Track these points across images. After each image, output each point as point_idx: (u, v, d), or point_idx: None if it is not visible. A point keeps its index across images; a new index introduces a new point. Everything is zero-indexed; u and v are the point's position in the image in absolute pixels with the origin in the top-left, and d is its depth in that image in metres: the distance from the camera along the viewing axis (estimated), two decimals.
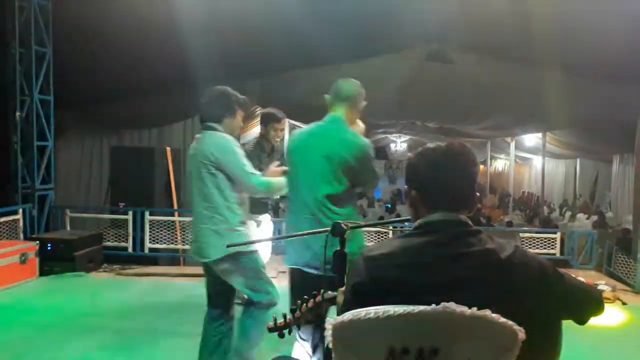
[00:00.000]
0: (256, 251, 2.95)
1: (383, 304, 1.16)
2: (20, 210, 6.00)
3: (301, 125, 13.37)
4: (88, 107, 7.62)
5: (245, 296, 2.95)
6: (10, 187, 6.29)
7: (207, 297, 2.95)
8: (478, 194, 1.44)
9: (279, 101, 8.79)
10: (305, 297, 1.68)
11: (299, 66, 7.38)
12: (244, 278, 2.84)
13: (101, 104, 7.54)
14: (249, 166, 2.81)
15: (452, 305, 1.10)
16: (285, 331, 1.66)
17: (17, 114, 6.19)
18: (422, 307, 1.10)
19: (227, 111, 2.93)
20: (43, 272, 5.48)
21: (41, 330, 3.90)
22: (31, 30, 6.16)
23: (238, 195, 2.83)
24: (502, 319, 1.14)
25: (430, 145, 1.41)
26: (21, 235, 5.90)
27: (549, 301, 1.30)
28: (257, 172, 2.87)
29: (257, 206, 3.82)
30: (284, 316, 1.66)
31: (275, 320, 1.66)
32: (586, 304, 1.41)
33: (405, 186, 1.44)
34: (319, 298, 1.67)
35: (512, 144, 14.19)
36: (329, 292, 1.67)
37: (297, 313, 1.66)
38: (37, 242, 5.53)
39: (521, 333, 1.15)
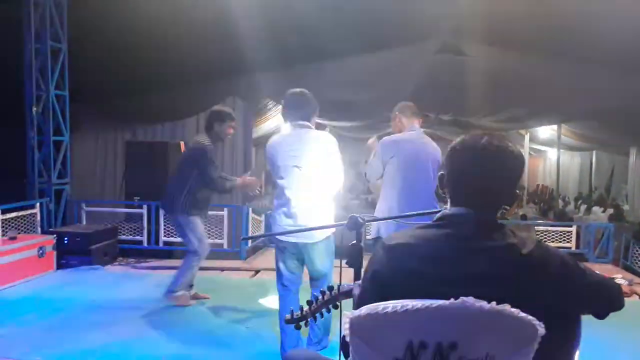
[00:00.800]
0: None
1: (401, 294, 1.16)
2: (38, 205, 6.09)
3: (316, 120, 13.29)
4: (102, 103, 7.68)
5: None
6: (28, 182, 6.39)
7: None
8: (518, 192, 1.39)
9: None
10: (322, 289, 1.70)
11: (310, 60, 7.36)
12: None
13: (115, 99, 7.59)
14: None
15: (470, 300, 1.10)
16: (302, 322, 1.67)
17: (34, 109, 6.26)
18: (440, 302, 1.09)
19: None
20: (60, 265, 5.56)
21: (59, 322, 3.96)
22: (46, 26, 6.22)
23: None
24: (522, 314, 1.13)
25: (471, 137, 1.35)
26: (39, 229, 5.98)
27: (569, 296, 1.28)
28: None
29: None
30: (301, 308, 1.68)
31: (292, 312, 1.67)
32: (606, 298, 1.39)
33: (441, 173, 1.40)
34: (335, 291, 1.68)
35: (527, 137, 14.03)
36: (345, 285, 1.68)
37: (314, 305, 1.67)
38: (54, 235, 5.61)
39: (541, 328, 1.14)
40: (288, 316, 1.67)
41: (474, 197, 1.31)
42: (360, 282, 1.57)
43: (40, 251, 5.30)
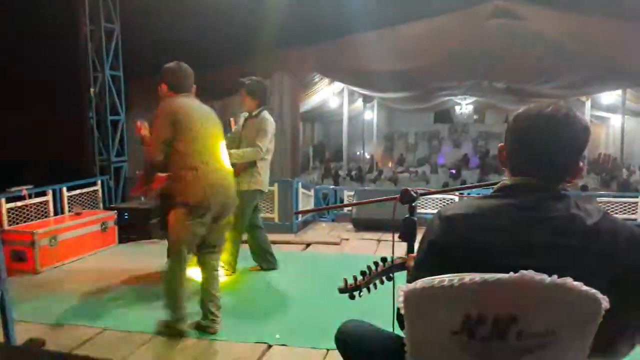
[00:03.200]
0: None
1: (457, 265, 1.14)
2: (99, 182, 6.37)
3: (359, 91, 13.18)
4: (154, 82, 7.88)
5: None
6: (88, 161, 6.69)
7: None
8: (581, 164, 1.32)
9: (335, 67, 8.72)
10: (375, 261, 1.69)
11: (356, 30, 7.22)
12: None
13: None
14: None
15: (530, 273, 1.06)
16: (356, 293, 1.68)
17: (91, 90, 6.51)
18: (498, 275, 1.06)
19: None
20: (121, 240, 5.83)
21: (124, 292, 4.17)
22: (100, 8, 6.40)
23: None
24: (585, 287, 1.08)
25: (536, 106, 1.31)
26: (100, 205, 6.28)
27: (637, 270, 1.21)
28: None
29: None
30: (354, 278, 1.68)
31: (345, 281, 1.68)
32: None
33: (501, 144, 1.37)
34: (389, 262, 1.67)
35: (588, 103, 13.33)
36: (399, 257, 1.67)
37: (367, 276, 1.67)
38: (115, 211, 5.87)
39: (605, 302, 1.09)
40: (341, 286, 1.68)
41: (536, 167, 1.27)
42: (414, 254, 1.55)
43: (103, 226, 5.57)
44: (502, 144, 1.37)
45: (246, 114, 4.49)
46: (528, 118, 1.30)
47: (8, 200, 4.97)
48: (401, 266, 1.67)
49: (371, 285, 1.70)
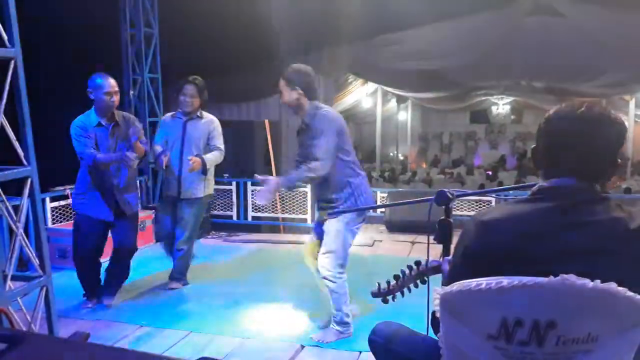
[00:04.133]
0: None
1: (493, 271, 1.11)
2: (137, 182, 6.53)
3: (393, 91, 13.04)
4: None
5: None
6: None
7: None
8: (620, 161, 1.27)
9: (369, 67, 8.68)
10: (409, 265, 1.67)
11: (390, 30, 7.16)
12: None
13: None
14: None
15: (572, 277, 1.03)
16: (389, 297, 1.66)
17: (131, 93, 6.69)
18: (538, 279, 1.03)
19: None
20: (158, 239, 5.96)
21: (161, 291, 4.27)
22: (139, 12, 6.57)
23: None
24: (630, 293, 1.05)
25: (567, 105, 1.28)
26: (139, 205, 6.43)
27: None
28: None
29: None
30: (388, 283, 1.66)
31: (379, 285, 1.67)
32: None
33: (534, 146, 1.34)
34: (423, 265, 1.65)
35: (632, 102, 12.85)
36: (434, 261, 1.64)
37: (401, 280, 1.66)
38: (153, 211, 6.01)
39: None
40: (374, 290, 1.67)
41: (572, 168, 1.23)
42: (450, 257, 1.52)
43: (142, 225, 5.70)
44: (534, 145, 1.33)
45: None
46: (561, 118, 1.27)
47: (52, 199, 5.16)
48: (436, 269, 1.64)
49: (405, 289, 1.68)
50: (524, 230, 1.20)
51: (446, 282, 1.29)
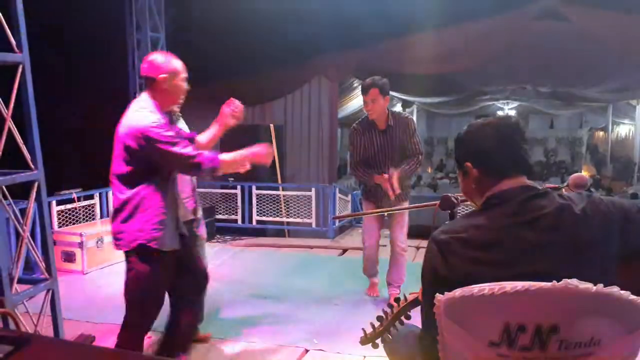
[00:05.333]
0: None
1: (464, 286, 1.13)
2: None
3: (398, 95, 13.06)
4: (193, 88, 8.07)
5: None
6: None
7: None
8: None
9: (374, 71, 8.69)
10: (389, 303, 1.66)
11: (395, 34, 7.17)
12: None
13: (206, 85, 7.94)
14: None
15: (574, 282, 1.04)
16: (378, 340, 1.64)
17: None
18: (540, 284, 1.04)
19: None
20: None
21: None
22: (146, 17, 6.61)
23: None
24: (632, 297, 1.05)
25: (479, 120, 1.40)
26: None
27: (633, 235, 1.25)
28: None
29: None
30: (373, 326, 1.64)
31: (365, 332, 1.64)
32: None
33: (457, 163, 1.42)
34: (402, 301, 1.63)
35: (638, 107, 12.80)
36: (411, 293, 1.63)
37: (385, 320, 1.63)
38: None
39: None
40: (362, 337, 1.65)
41: (504, 172, 1.30)
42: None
43: None
44: (459, 170, 1.40)
45: None
46: (477, 130, 1.37)
47: (58, 203, 5.19)
48: (416, 302, 1.62)
49: (392, 329, 1.64)
50: (482, 240, 1.22)
51: (425, 315, 1.32)
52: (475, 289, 1.07)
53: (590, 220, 1.21)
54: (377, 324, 1.64)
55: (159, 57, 2.55)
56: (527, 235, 1.20)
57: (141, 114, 2.40)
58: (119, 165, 2.38)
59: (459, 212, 3.50)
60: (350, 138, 3.81)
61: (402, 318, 1.65)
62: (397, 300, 1.65)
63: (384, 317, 1.63)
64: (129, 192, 2.34)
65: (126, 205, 2.35)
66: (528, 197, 1.25)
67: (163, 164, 2.38)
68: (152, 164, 2.35)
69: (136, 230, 2.37)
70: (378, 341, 1.67)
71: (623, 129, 21.26)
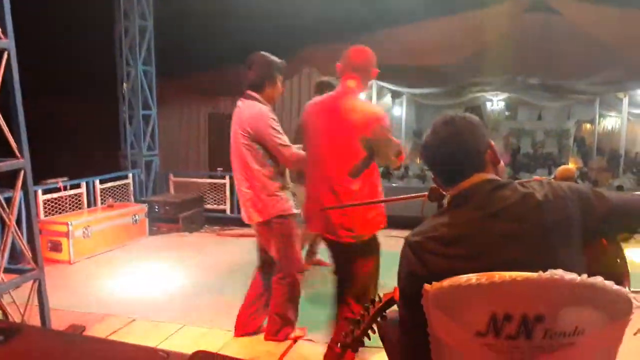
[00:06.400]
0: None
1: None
2: (130, 175, 6.52)
3: (388, 86, 13.09)
4: (184, 77, 8.00)
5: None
6: (121, 154, 6.85)
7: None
8: (490, 149, 1.38)
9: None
10: (365, 305, 1.66)
11: (385, 25, 7.15)
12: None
13: (196, 73, 7.88)
14: (283, 139, 2.89)
15: (559, 272, 1.06)
16: (358, 344, 1.64)
17: (124, 84, 6.65)
18: (527, 274, 1.06)
19: (269, 79, 2.96)
20: (152, 232, 5.96)
21: (155, 284, 4.27)
22: (134, 5, 6.52)
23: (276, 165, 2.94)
24: (615, 287, 1.08)
25: (430, 129, 1.42)
26: (132, 198, 6.42)
27: (598, 220, 1.30)
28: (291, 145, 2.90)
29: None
30: (352, 331, 1.63)
31: (344, 337, 1.64)
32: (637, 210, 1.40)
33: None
34: (377, 303, 1.63)
35: (625, 100, 12.90)
36: (385, 293, 1.63)
37: (362, 323, 1.63)
38: (146, 204, 6.00)
39: (636, 301, 1.09)
40: (342, 342, 1.64)
41: (460, 168, 1.33)
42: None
43: (135, 218, 5.70)
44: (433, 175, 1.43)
45: None
46: (425, 140, 1.42)
47: (44, 192, 5.14)
48: (391, 302, 1.62)
49: (369, 331, 1.63)
50: (453, 237, 1.24)
51: (402, 307, 1.35)
52: (462, 278, 1.09)
53: (551, 204, 1.24)
54: (354, 327, 1.64)
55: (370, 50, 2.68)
56: (494, 226, 1.23)
57: (369, 103, 2.58)
58: (350, 157, 2.41)
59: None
60: None
61: (379, 319, 1.66)
62: (372, 301, 1.65)
63: (362, 320, 1.63)
64: (359, 182, 2.42)
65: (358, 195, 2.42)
66: (490, 189, 1.28)
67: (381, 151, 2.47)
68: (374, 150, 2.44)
69: (379, 214, 2.54)
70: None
71: (610, 122, 21.49)
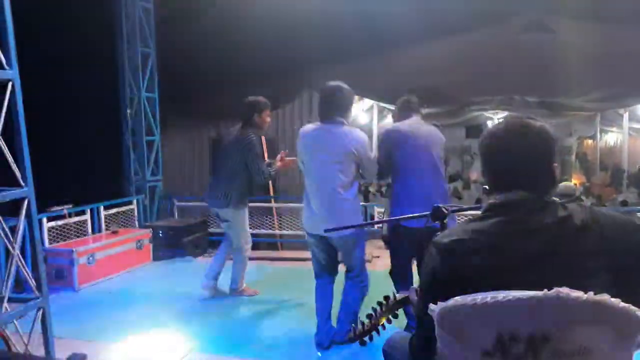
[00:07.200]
0: None
1: (464, 290, 1.14)
2: (135, 201, 6.53)
3: (389, 107, 13.19)
4: (186, 102, 8.07)
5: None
6: (125, 180, 6.88)
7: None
8: (555, 165, 1.33)
9: (364, 85, 8.77)
10: (379, 301, 1.67)
11: (384, 49, 7.24)
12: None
13: (197, 99, 7.94)
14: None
15: (565, 290, 1.04)
16: (366, 338, 1.66)
17: (128, 111, 6.72)
18: (532, 293, 1.04)
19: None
20: (156, 257, 5.94)
21: (158, 309, 4.24)
22: (136, 32, 6.63)
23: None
24: (623, 304, 1.06)
25: (493, 125, 1.37)
26: (136, 224, 6.43)
27: (632, 255, 1.23)
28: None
29: None
30: (362, 324, 1.66)
31: (354, 329, 1.66)
32: None
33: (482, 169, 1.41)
34: (392, 300, 1.65)
35: (626, 115, 12.91)
36: (402, 292, 1.64)
37: (374, 319, 1.65)
38: (150, 229, 6.00)
39: None
40: (350, 334, 1.67)
41: (513, 180, 1.29)
42: (416, 286, 1.53)
43: (139, 244, 5.69)
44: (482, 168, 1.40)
45: None
46: (490, 137, 1.35)
47: (49, 219, 5.15)
48: (405, 301, 1.64)
49: (380, 327, 1.67)
50: (483, 246, 1.23)
51: (420, 308, 1.32)
52: (468, 298, 1.08)
53: (589, 232, 1.22)
54: (367, 321, 1.66)
55: None
56: (528, 244, 1.20)
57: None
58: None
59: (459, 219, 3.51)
60: None
61: (390, 316, 1.68)
62: (386, 298, 1.67)
63: (373, 314, 1.66)
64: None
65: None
66: (533, 206, 1.25)
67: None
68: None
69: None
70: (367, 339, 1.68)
71: (611, 137, 21.49)
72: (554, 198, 1.30)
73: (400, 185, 3.24)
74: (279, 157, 4.32)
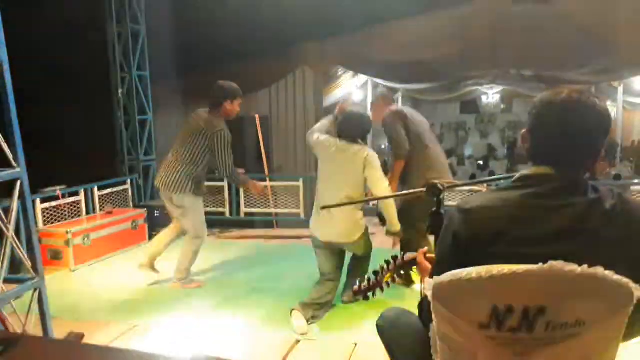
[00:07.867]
0: None
1: (482, 256, 1.14)
2: (129, 181, 6.50)
3: (383, 83, 13.11)
4: (177, 80, 7.97)
5: None
6: (118, 160, 6.84)
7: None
8: (603, 151, 1.29)
9: (358, 60, 8.69)
10: (387, 260, 1.69)
11: (378, 22, 7.15)
12: None
13: (188, 76, 7.85)
14: None
15: (560, 263, 1.05)
16: (370, 293, 1.68)
17: (120, 90, 6.64)
18: (527, 266, 1.05)
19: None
20: (151, 237, 5.94)
21: (155, 290, 4.26)
22: (126, 9, 6.51)
23: None
24: (616, 277, 1.07)
25: (551, 92, 1.29)
26: (130, 204, 6.41)
27: None
28: None
29: None
30: (368, 280, 1.68)
31: (360, 283, 1.69)
32: None
33: (523, 131, 1.35)
34: (399, 260, 1.67)
35: (620, 89, 12.91)
36: (409, 254, 1.66)
37: (379, 276, 1.67)
38: (145, 209, 5.99)
39: (637, 291, 1.07)
40: (356, 288, 1.69)
41: (554, 154, 1.27)
42: (425, 249, 1.55)
43: (134, 224, 5.69)
44: (524, 130, 1.35)
45: None
46: (542, 105, 1.29)
47: (43, 201, 5.12)
48: (412, 262, 1.67)
49: (384, 285, 1.70)
50: (507, 214, 1.22)
51: (435, 272, 1.31)
52: (463, 272, 1.09)
53: (617, 218, 1.21)
54: (373, 278, 1.68)
55: None
56: (552, 220, 1.19)
57: None
58: None
59: (446, 199, 3.53)
60: None
61: (395, 276, 1.71)
62: (394, 257, 1.69)
63: (380, 271, 1.68)
64: None
65: None
66: (562, 185, 1.24)
67: None
68: None
69: None
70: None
71: None
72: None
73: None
74: (253, 182, 4.28)
